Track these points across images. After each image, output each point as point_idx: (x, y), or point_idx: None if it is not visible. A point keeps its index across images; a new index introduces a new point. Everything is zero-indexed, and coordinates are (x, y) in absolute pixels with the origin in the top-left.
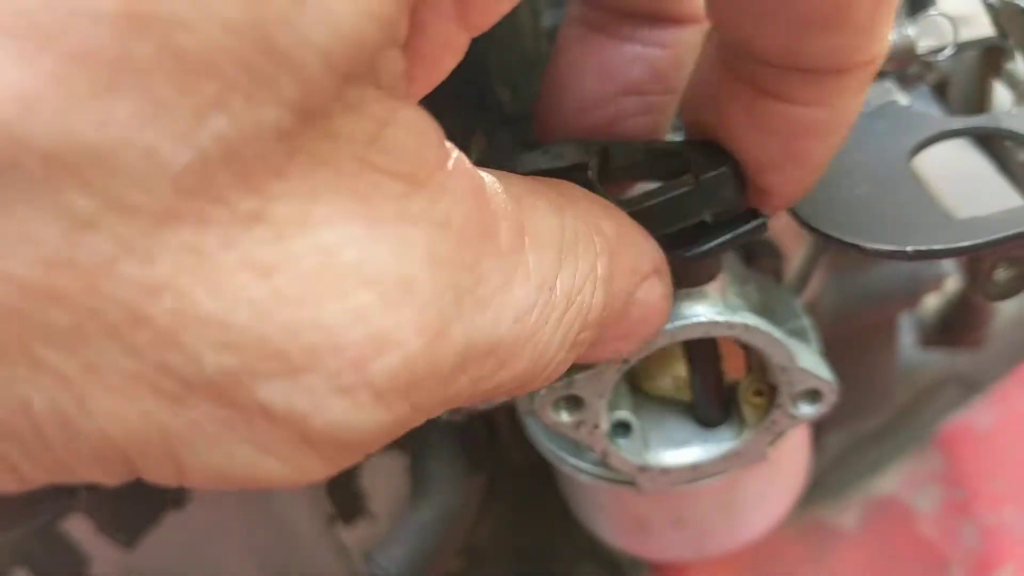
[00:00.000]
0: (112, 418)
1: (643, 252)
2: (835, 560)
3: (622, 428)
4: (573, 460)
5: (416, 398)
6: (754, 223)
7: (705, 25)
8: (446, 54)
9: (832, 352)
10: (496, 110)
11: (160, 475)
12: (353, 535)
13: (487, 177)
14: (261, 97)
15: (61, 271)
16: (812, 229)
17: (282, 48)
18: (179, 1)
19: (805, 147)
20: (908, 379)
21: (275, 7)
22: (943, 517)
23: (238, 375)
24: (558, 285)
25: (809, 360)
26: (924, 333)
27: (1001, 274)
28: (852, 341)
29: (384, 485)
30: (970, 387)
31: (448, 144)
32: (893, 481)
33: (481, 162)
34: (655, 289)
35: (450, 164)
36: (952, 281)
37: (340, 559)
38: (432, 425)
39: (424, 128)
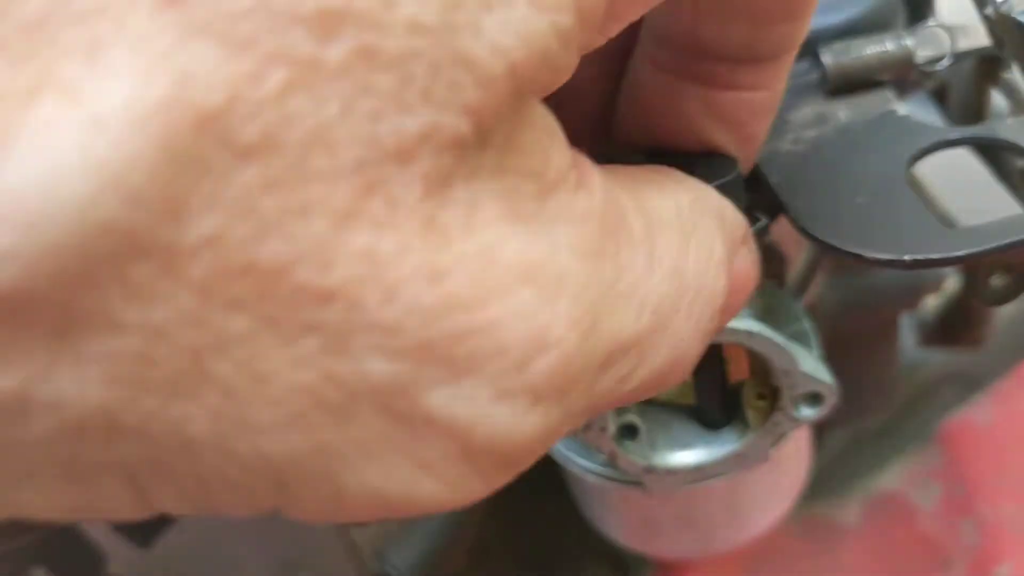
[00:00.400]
0: (273, 435)
1: (735, 224)
2: (836, 556)
3: (629, 431)
4: (581, 461)
5: (569, 401)
6: (756, 226)
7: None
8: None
9: (834, 353)
10: None
11: (315, 501)
12: (364, 533)
13: (605, 169)
14: (444, 100)
15: (242, 276)
16: (813, 238)
17: (469, 51)
18: (371, 3)
19: (755, 128)
20: (908, 378)
21: (465, 12)
22: (944, 514)
23: (404, 383)
24: (687, 271)
25: (810, 364)
26: (924, 333)
27: (997, 280)
28: (853, 342)
29: None
30: (970, 385)
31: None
32: (894, 478)
33: None
34: (748, 257)
35: (577, 159)
36: (952, 281)
37: (351, 557)
38: None
39: (552, 126)
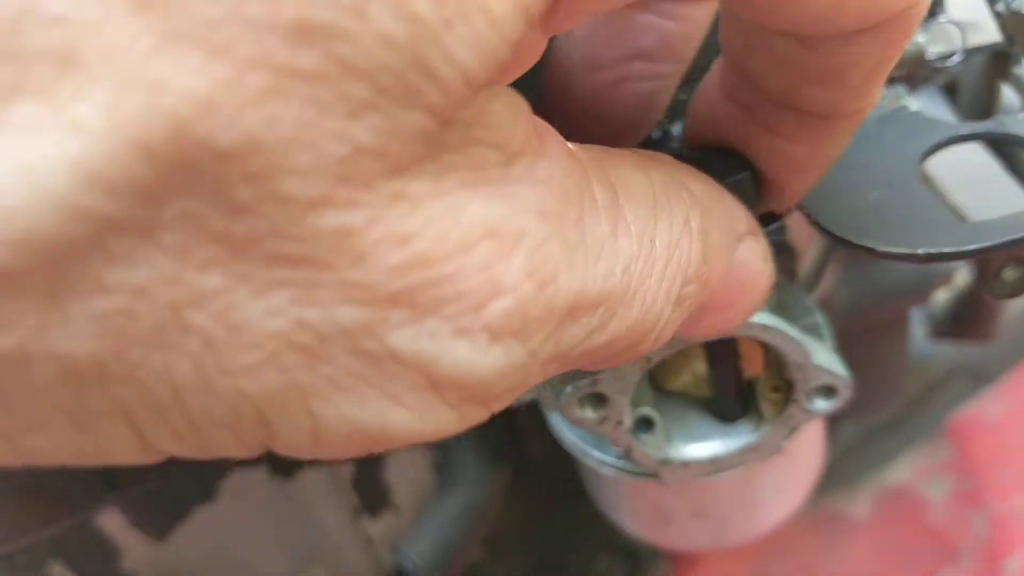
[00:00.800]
0: (251, 375)
1: (735, 213)
2: (847, 549)
3: (645, 423)
4: (597, 454)
5: (532, 343)
6: (772, 226)
7: (715, 4)
8: (531, 56)
9: (845, 346)
10: None
11: (296, 434)
12: (378, 527)
13: (571, 144)
14: (410, 103)
15: (216, 243)
16: (827, 233)
17: (431, 64)
18: (344, 16)
19: (786, 179)
20: (918, 371)
21: (429, 27)
22: (953, 507)
23: (370, 325)
24: (657, 237)
25: (824, 357)
26: (934, 326)
27: (1009, 274)
28: (864, 336)
29: (408, 479)
30: (980, 379)
31: (534, 116)
32: (904, 471)
33: None
34: (754, 250)
35: (541, 131)
36: (962, 275)
37: (365, 551)
38: None
39: (516, 103)
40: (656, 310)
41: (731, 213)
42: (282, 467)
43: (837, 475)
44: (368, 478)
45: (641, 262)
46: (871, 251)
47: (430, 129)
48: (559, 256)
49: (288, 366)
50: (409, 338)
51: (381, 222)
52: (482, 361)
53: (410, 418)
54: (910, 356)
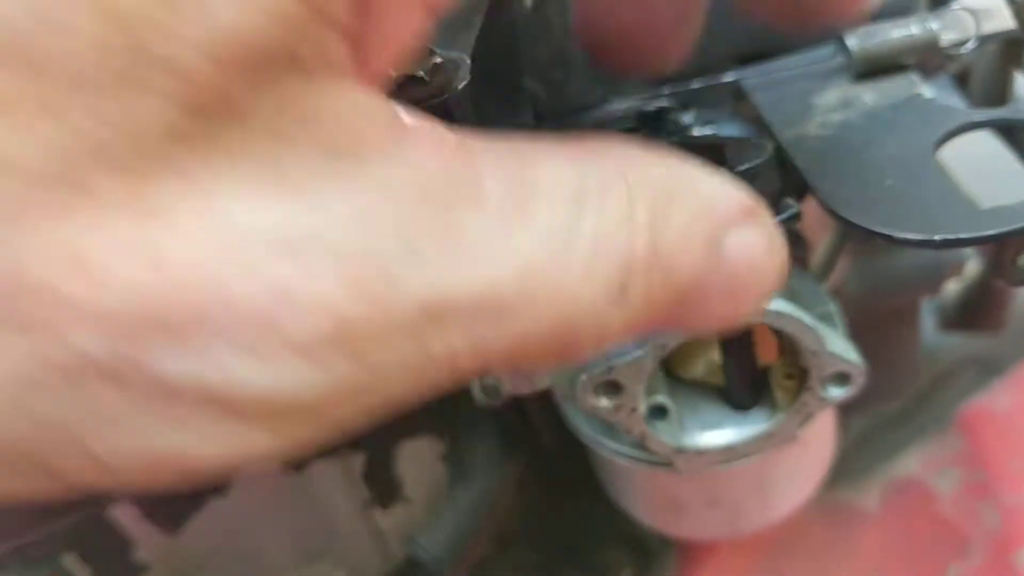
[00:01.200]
0: (10, 417)
1: (716, 196)
2: (857, 540)
3: (659, 411)
4: (611, 443)
5: (375, 356)
6: (788, 212)
7: None
8: (402, 35)
9: (857, 336)
10: (531, 105)
11: (79, 470)
12: (389, 520)
13: (477, 142)
14: (133, 98)
15: None
16: (843, 220)
17: (156, 51)
18: (22, 12)
19: None
20: (928, 363)
21: (140, 12)
22: (963, 498)
23: (127, 356)
24: (581, 231)
25: (838, 344)
26: (944, 317)
27: None
28: (876, 325)
29: (419, 471)
30: (989, 370)
31: (409, 118)
32: (914, 463)
33: None
34: (750, 236)
35: (402, 135)
36: (973, 265)
37: (376, 543)
38: (469, 409)
39: (363, 103)
40: (584, 306)
41: (711, 197)
42: (293, 459)
43: (847, 468)
44: (379, 470)
45: (552, 259)
46: (889, 238)
47: (173, 119)
48: (402, 261)
49: (40, 407)
50: (181, 364)
51: (125, 238)
52: (290, 382)
53: (211, 445)
54: (921, 347)
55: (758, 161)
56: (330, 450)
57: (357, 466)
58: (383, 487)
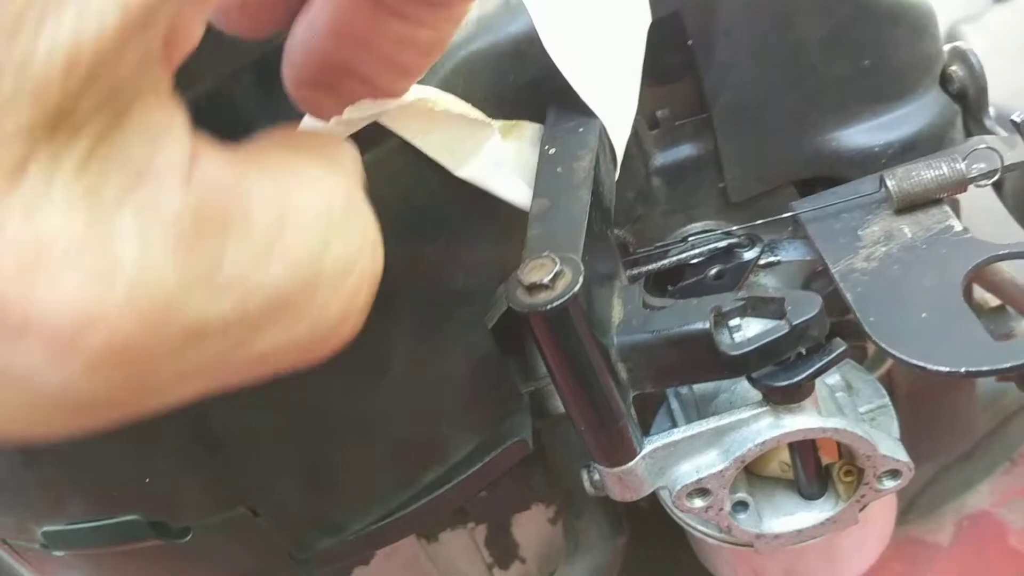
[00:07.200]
0: None
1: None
2: (932, 574)
3: (741, 506)
4: (702, 528)
5: (141, 366)
6: (837, 352)
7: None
8: (185, 44)
9: (916, 401)
10: (618, 249)
11: None
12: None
13: (248, 159)
14: None
15: None
16: (890, 354)
17: (23, 65)
18: None
19: (413, 60)
20: (990, 407)
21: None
22: None
23: None
24: (327, 257)
25: (889, 447)
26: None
27: None
28: (934, 391)
29: (533, 534)
30: None
31: (197, 139)
32: (984, 498)
33: None
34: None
35: (193, 159)
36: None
37: None
38: (580, 487)
39: (165, 122)
40: (333, 321)
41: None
42: (426, 532)
43: (919, 506)
44: (498, 536)
45: (299, 285)
46: (924, 369)
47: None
48: (179, 286)
49: None
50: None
51: None
52: (78, 385)
53: (9, 421)
54: (982, 394)
55: (813, 313)
56: (458, 521)
57: (480, 534)
58: (502, 550)
